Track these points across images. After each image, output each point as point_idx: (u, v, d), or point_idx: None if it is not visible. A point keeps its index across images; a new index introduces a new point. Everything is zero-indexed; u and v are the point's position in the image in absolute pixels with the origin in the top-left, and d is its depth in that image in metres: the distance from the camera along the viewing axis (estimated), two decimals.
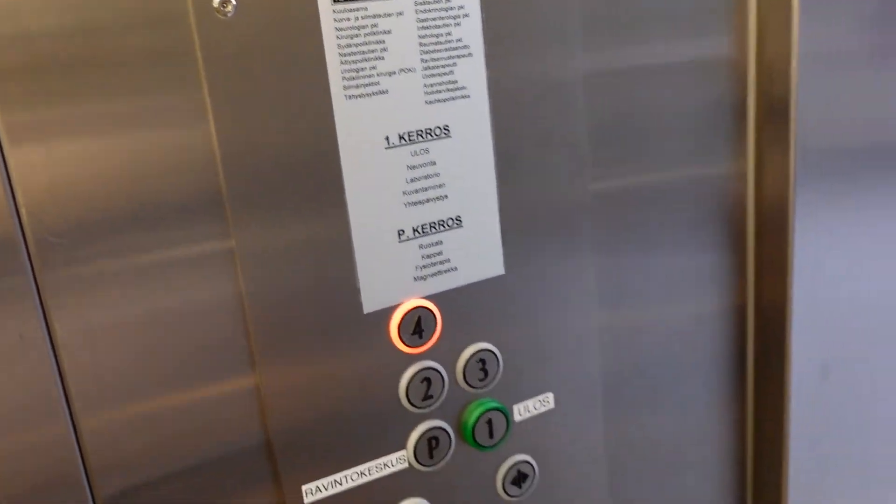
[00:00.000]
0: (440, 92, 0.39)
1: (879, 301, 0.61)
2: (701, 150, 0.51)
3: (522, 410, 0.46)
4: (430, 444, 0.43)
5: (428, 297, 0.41)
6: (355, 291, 0.39)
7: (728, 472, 0.59)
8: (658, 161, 0.49)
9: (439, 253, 0.41)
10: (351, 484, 0.41)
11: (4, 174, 0.32)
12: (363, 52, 0.37)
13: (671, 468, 0.56)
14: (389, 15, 0.37)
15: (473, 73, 0.40)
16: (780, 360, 0.57)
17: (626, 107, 0.46)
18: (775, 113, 0.53)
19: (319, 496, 0.41)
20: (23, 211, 0.32)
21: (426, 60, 0.39)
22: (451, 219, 0.41)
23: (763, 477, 0.62)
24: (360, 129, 0.38)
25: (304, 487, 0.40)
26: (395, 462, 0.42)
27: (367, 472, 0.42)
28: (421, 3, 0.38)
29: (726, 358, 0.56)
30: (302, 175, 0.37)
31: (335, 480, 0.41)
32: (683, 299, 0.53)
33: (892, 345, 0.63)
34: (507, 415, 0.44)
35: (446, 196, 0.41)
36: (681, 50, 0.48)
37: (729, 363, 0.57)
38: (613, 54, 0.45)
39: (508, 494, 0.46)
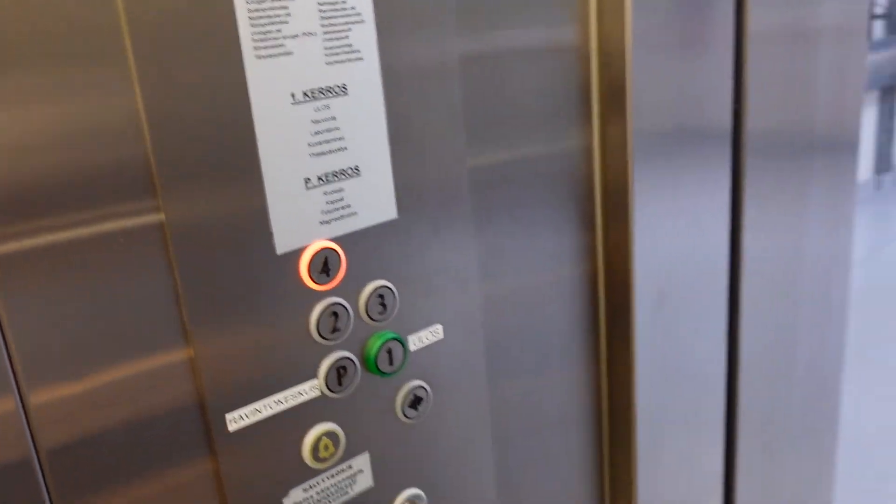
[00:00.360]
0: (338, 54, 0.44)
1: (697, 250, 0.73)
2: (557, 131, 0.59)
3: (416, 341, 0.52)
4: (339, 372, 0.48)
5: (333, 239, 0.46)
6: (269, 235, 0.43)
7: (585, 396, 0.68)
8: (521, 139, 0.56)
9: (341, 199, 0.46)
10: (270, 412, 0.45)
11: None
12: (270, 17, 0.41)
13: (540, 400, 0.64)
14: None
15: (366, 38, 0.45)
16: (626, 290, 0.66)
17: (493, 88, 0.53)
18: (615, 95, 0.62)
19: (243, 424, 0.44)
20: None
21: (325, 25, 0.43)
22: (351, 168, 0.46)
23: (616, 402, 0.71)
24: (269, 86, 0.42)
25: (227, 416, 0.44)
26: (308, 390, 0.47)
27: (283, 401, 0.46)
28: None
29: (584, 311, 0.65)
30: (221, 136, 0.41)
31: (255, 409, 0.45)
32: (545, 264, 0.61)
33: (705, 281, 0.75)
34: (404, 344, 0.50)
35: (346, 148, 0.46)
36: (537, 36, 0.55)
37: (587, 313, 0.66)
38: (482, 38, 0.52)
39: (406, 416, 0.52)
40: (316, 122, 0.44)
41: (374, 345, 0.49)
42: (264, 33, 0.41)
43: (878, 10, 4.49)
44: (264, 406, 0.45)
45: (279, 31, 0.42)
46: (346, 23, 0.44)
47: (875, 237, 4.32)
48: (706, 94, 0.69)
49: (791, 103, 0.82)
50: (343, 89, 0.45)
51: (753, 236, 0.81)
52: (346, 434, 0.49)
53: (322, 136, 0.44)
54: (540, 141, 0.58)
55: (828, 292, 1.01)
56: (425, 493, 0.55)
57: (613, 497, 0.78)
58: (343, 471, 0.50)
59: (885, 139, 4.91)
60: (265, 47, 0.41)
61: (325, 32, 0.43)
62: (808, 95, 0.85)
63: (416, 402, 0.52)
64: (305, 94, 0.43)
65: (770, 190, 0.82)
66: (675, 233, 0.70)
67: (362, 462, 0.50)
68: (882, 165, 4.95)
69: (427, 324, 0.52)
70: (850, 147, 0.96)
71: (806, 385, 1.01)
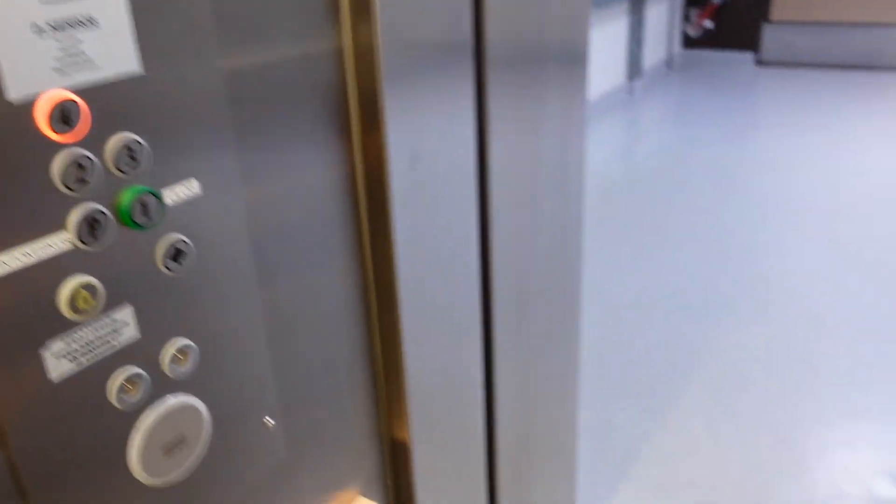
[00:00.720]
0: None
1: (447, 151, 0.79)
2: (310, 38, 0.61)
3: (172, 195, 0.53)
4: (91, 225, 0.48)
5: (73, 90, 0.46)
6: None
7: (352, 289, 0.73)
8: (274, 44, 0.58)
9: (77, 49, 0.45)
10: (19, 264, 0.45)
11: None
12: None
13: (309, 295, 0.68)
14: None
15: None
16: (383, 190, 0.71)
17: None
18: (363, 6, 0.65)
19: None
20: None
21: None
22: (86, 18, 0.46)
23: (382, 290, 0.77)
24: None
25: None
26: (58, 243, 0.47)
27: (31, 253, 0.46)
28: None
29: (346, 210, 0.70)
30: None
31: (2, 262, 0.44)
32: (305, 163, 0.65)
33: (456, 178, 0.82)
34: (158, 197, 0.51)
35: None
36: None
37: (349, 212, 0.70)
38: None
39: (168, 269, 0.53)
40: None
41: (126, 197, 0.49)
42: None
43: None
44: (11, 258, 0.45)
45: None
46: None
47: (627, 138, 4.78)
48: (449, 7, 0.75)
49: (526, 17, 0.91)
50: None
51: (498, 137, 0.90)
52: (106, 287, 0.50)
53: None
54: (295, 46, 0.60)
55: (566, 184, 1.13)
56: (196, 345, 0.57)
57: (387, 376, 0.85)
58: (105, 323, 0.51)
59: (635, 48, 5.37)
60: None
61: None
62: (542, 10, 0.94)
63: (177, 255, 0.54)
64: None
65: (511, 97, 0.91)
66: (427, 136, 0.76)
67: (126, 314, 0.52)
68: (633, 72, 5.43)
69: (182, 178, 0.53)
70: (580, 57, 1.08)
71: (551, 264, 1.14)
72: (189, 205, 0.54)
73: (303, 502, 0.75)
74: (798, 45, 6.08)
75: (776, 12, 6.11)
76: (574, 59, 1.06)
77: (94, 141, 0.47)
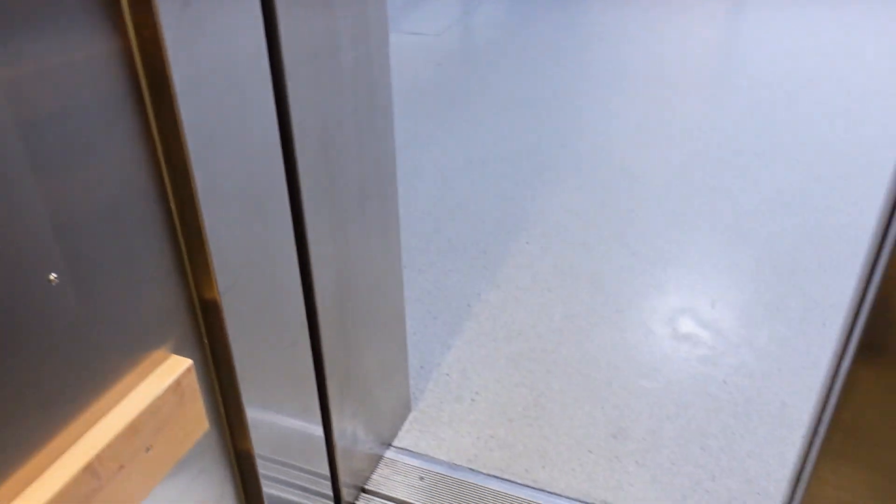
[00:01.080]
0: None
1: (232, 33, 0.78)
2: None
3: None
4: None
5: None
6: None
7: (145, 170, 0.72)
8: None
9: None
10: None
11: None
12: None
13: (97, 183, 0.66)
14: None
15: None
16: (163, 67, 0.69)
17: None
18: None
19: None
20: None
21: None
22: None
23: (174, 167, 0.76)
24: None
25: None
26: None
27: None
28: None
29: (128, 90, 0.67)
30: None
31: None
32: (70, 41, 0.62)
33: (246, 61, 0.81)
34: None
35: None
36: None
37: (131, 92, 0.68)
38: None
39: None
40: None
41: None
42: None
43: None
44: None
45: None
46: None
47: (461, 10, 4.77)
48: None
49: None
50: None
51: (286, 17, 0.89)
52: None
53: None
54: None
55: (367, 36, 1.13)
56: None
57: (186, 236, 0.85)
58: None
59: None
60: None
61: None
62: None
63: None
64: None
65: None
66: (210, 19, 0.74)
67: None
68: None
69: None
70: None
71: (358, 116, 1.15)
72: None
73: (109, 362, 0.76)
74: None
75: None
76: None
77: None
